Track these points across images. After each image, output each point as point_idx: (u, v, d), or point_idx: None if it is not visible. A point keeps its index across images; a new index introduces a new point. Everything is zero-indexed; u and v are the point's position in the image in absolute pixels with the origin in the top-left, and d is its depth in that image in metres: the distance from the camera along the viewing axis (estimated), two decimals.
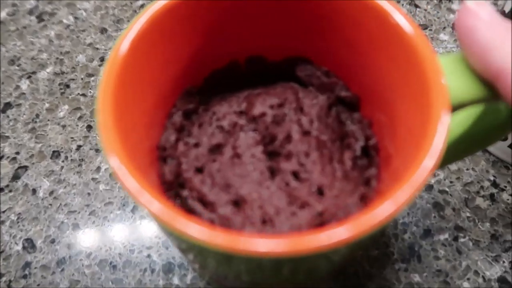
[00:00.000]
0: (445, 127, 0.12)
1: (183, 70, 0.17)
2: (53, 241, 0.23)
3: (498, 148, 0.24)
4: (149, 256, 0.22)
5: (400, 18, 0.13)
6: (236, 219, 0.15)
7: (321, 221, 0.15)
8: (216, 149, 0.17)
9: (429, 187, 0.23)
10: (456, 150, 0.17)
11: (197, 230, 0.10)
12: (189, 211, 0.16)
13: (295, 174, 0.16)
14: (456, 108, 0.14)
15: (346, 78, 0.18)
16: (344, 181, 0.16)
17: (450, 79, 0.14)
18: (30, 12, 0.32)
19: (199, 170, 0.17)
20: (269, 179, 0.16)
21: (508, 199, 0.23)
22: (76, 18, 0.31)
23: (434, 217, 0.23)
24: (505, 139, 0.23)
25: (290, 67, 0.19)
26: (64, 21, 0.31)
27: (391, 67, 0.15)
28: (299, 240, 0.10)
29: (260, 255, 0.10)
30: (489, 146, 0.24)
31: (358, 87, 0.17)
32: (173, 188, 0.16)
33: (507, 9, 0.20)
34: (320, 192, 0.16)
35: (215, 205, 0.16)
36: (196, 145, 0.17)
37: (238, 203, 0.16)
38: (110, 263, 0.22)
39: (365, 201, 0.15)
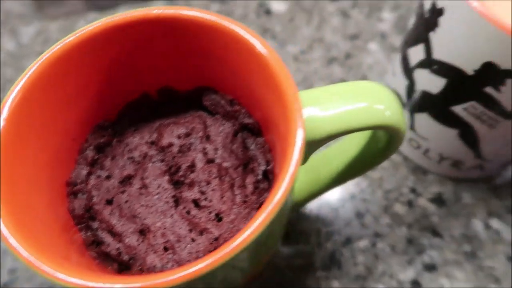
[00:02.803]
0: (292, 170, 0.13)
1: (92, 107, 0.18)
2: None
3: (415, 156, 0.25)
4: None
5: (263, 49, 0.15)
6: (140, 248, 0.17)
7: (216, 246, 0.16)
8: (127, 180, 0.18)
9: (351, 197, 0.25)
10: (351, 170, 0.19)
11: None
12: (99, 242, 0.17)
13: (196, 202, 0.17)
14: (330, 137, 0.15)
15: (248, 105, 0.19)
16: (241, 206, 0.17)
17: (319, 111, 0.15)
18: None
19: (109, 202, 0.18)
20: (173, 208, 0.17)
21: (424, 204, 0.25)
22: (18, 43, 0.32)
23: (355, 225, 0.24)
24: (418, 147, 0.24)
25: (198, 97, 0.20)
26: (8, 47, 0.32)
27: (267, 96, 0.16)
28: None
29: None
30: (408, 156, 0.26)
31: (258, 114, 0.19)
32: (84, 221, 0.17)
33: (426, 7, 0.19)
34: (219, 218, 0.17)
35: (122, 235, 0.17)
36: (108, 177, 0.18)
37: (143, 232, 0.17)
38: None
39: None
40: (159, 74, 0.19)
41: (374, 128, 0.15)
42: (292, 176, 0.13)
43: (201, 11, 0.16)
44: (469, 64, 0.18)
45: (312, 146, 0.15)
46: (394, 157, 0.26)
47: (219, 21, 0.16)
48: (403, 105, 0.23)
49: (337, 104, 0.15)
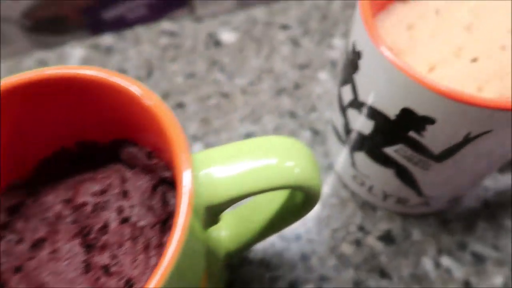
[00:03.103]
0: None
1: (3, 166, 0.17)
2: None
3: (362, 192, 0.24)
4: None
5: (152, 105, 0.14)
6: None
7: None
8: (39, 244, 0.17)
9: (297, 238, 0.24)
10: (276, 223, 0.18)
11: None
12: None
13: (107, 268, 0.16)
14: (234, 200, 0.14)
15: (167, 158, 0.18)
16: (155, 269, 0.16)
17: (219, 172, 0.14)
18: None
19: (18, 270, 0.17)
20: (83, 275, 0.16)
21: (372, 243, 0.24)
22: None
23: (300, 268, 0.23)
24: (363, 184, 0.23)
25: (117, 150, 0.19)
26: None
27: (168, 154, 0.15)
28: None
29: None
30: (355, 191, 0.25)
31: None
32: None
33: (349, 48, 0.20)
34: (130, 285, 0.16)
35: None
36: (20, 241, 0.17)
37: None
38: None
39: None
40: (75, 128, 0.18)
41: (283, 188, 0.14)
42: (176, 248, 0.12)
43: (93, 69, 0.15)
44: (389, 109, 0.17)
45: (215, 209, 0.15)
46: (343, 193, 0.25)
47: (108, 78, 0.15)
48: (343, 142, 0.23)
49: (240, 164, 0.14)
